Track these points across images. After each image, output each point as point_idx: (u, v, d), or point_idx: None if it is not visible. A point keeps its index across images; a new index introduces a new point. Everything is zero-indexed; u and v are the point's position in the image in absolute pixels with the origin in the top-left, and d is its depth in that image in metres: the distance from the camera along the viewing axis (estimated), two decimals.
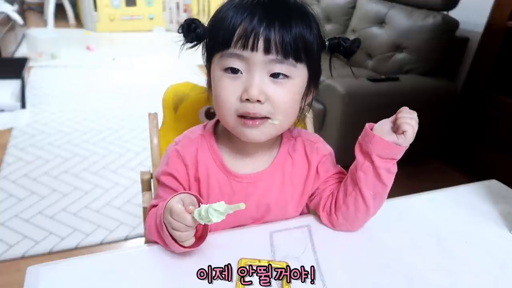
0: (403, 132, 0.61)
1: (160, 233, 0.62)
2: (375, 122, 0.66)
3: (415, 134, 0.62)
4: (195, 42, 0.64)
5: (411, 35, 2.07)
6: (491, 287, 0.62)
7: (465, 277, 0.63)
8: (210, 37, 0.64)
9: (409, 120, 0.61)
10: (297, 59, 0.60)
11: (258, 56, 0.58)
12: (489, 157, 2.08)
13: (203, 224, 0.57)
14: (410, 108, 0.64)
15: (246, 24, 0.57)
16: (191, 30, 0.62)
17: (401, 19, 2.13)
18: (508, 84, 2.01)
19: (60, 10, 4.75)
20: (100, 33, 4.63)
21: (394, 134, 0.62)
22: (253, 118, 0.61)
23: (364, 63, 2.33)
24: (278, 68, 0.59)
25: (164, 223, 0.59)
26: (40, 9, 5.04)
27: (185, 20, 0.63)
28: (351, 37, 0.66)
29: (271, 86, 0.60)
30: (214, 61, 0.63)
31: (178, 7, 4.91)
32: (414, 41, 2.06)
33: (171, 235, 0.59)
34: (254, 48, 0.57)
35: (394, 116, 0.64)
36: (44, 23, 4.54)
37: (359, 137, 0.67)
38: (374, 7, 2.31)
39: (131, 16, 4.79)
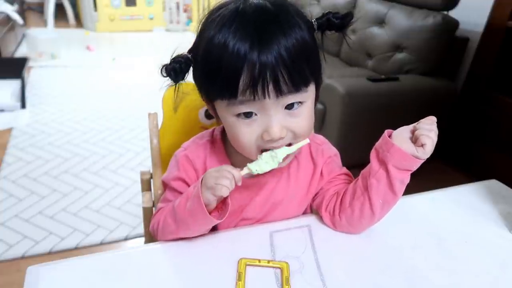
0: (422, 145, 0.59)
1: (181, 213, 0.62)
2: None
3: (434, 147, 0.59)
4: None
5: (411, 35, 2.06)
6: (491, 287, 0.62)
7: (465, 277, 0.63)
8: (205, 75, 0.59)
9: (428, 132, 0.59)
10: (307, 83, 0.58)
11: (271, 100, 0.55)
12: (489, 157, 2.08)
13: (255, 174, 0.60)
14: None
15: (250, 69, 0.53)
16: (178, 73, 0.59)
17: (401, 19, 2.13)
18: (508, 84, 2.01)
19: (60, 10, 4.75)
20: (100, 33, 4.63)
21: (413, 145, 0.60)
22: None
23: (364, 63, 2.32)
24: (291, 98, 0.57)
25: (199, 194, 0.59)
26: (40, 9, 5.04)
27: (168, 66, 0.59)
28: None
29: (289, 119, 0.59)
30: (218, 103, 0.60)
31: (178, 7, 4.91)
32: (414, 41, 2.06)
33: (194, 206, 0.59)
34: (265, 95, 0.54)
35: (414, 125, 0.62)
36: (44, 23, 4.54)
37: (376, 143, 0.65)
38: (374, 7, 2.31)
39: (131, 16, 4.79)
